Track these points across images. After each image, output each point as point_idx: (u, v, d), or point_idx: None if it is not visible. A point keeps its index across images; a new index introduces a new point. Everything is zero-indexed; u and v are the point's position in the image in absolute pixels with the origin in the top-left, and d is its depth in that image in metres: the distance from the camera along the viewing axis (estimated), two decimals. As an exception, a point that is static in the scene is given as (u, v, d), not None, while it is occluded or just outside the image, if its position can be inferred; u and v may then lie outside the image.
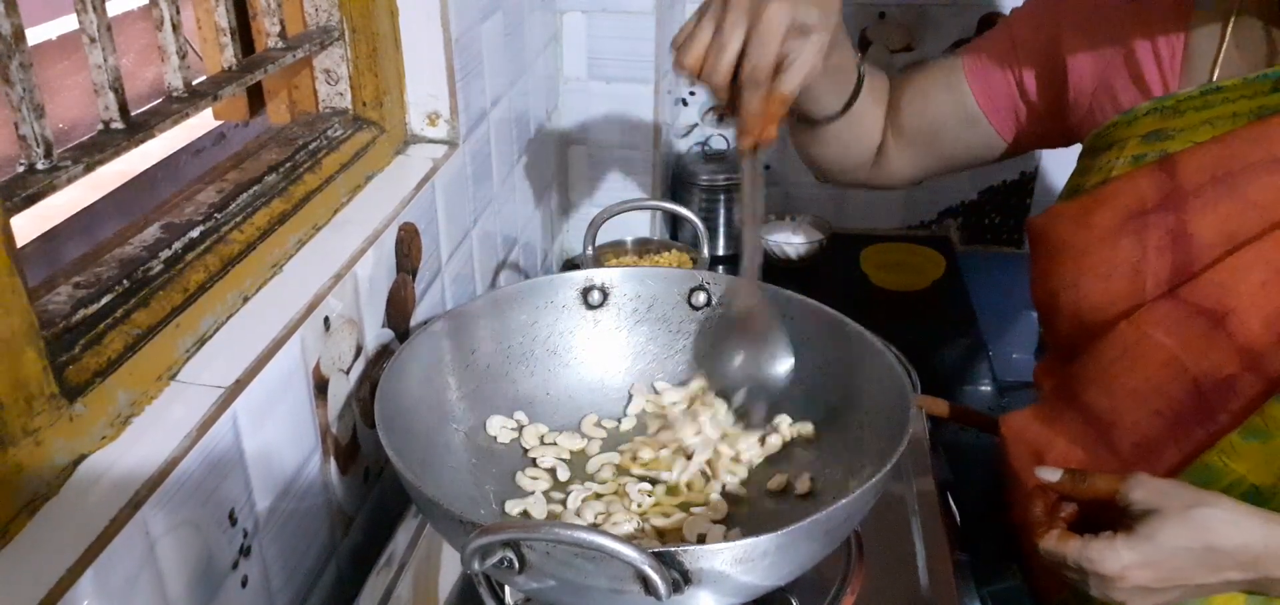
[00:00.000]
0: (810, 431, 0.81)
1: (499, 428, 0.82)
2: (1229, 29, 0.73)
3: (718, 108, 0.71)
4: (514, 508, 0.75)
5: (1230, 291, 0.68)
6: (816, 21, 0.67)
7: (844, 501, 0.60)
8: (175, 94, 0.69)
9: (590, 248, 1.09)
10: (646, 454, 0.80)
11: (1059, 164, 1.55)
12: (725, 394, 0.84)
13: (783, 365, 0.80)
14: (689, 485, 0.78)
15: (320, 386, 0.73)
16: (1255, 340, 0.66)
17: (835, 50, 0.76)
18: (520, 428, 0.83)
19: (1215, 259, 0.69)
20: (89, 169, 0.59)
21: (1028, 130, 0.88)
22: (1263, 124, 0.69)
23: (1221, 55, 0.73)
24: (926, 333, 1.36)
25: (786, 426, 0.82)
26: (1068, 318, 0.77)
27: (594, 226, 1.08)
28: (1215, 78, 0.73)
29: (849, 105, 0.86)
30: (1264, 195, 0.68)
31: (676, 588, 0.55)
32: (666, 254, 1.24)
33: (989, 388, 1.25)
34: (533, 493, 0.77)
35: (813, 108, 0.87)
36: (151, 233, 0.69)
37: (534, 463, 0.80)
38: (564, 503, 0.76)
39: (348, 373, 0.78)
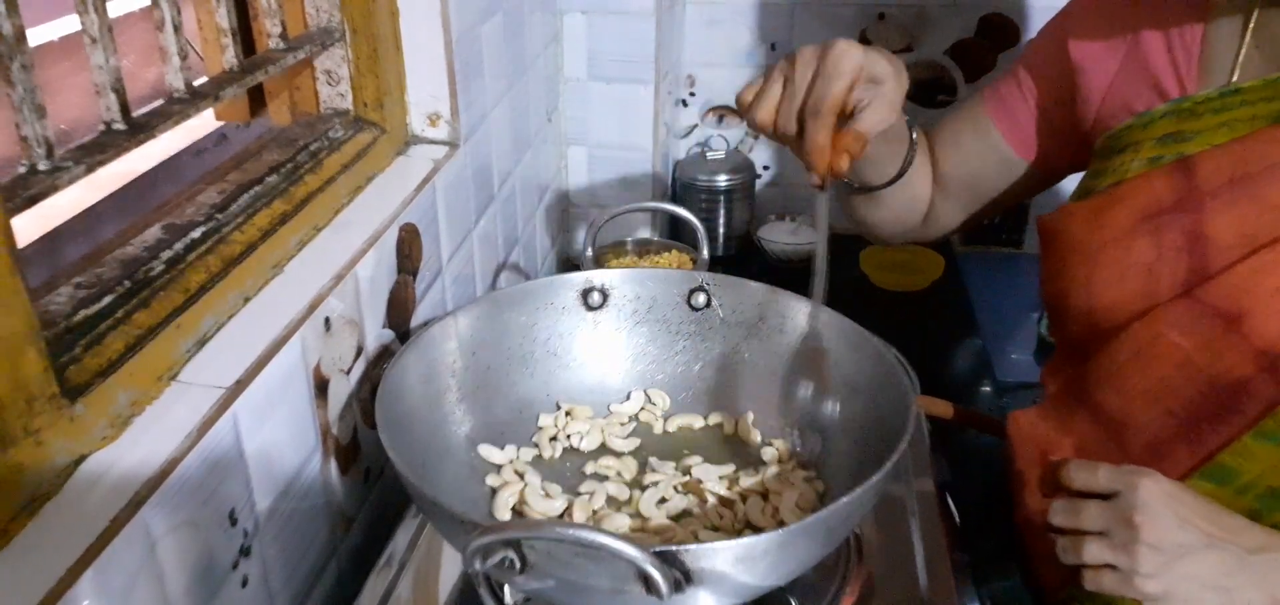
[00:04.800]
0: (806, 465, 0.80)
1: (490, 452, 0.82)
2: (1250, 28, 0.72)
3: (797, 154, 0.72)
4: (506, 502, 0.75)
5: (1247, 293, 0.67)
6: (887, 74, 0.70)
7: (844, 501, 0.60)
8: (176, 95, 0.69)
9: (590, 249, 1.09)
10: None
11: (1059, 164, 1.54)
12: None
13: (835, 403, 0.81)
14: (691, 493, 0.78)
15: (321, 387, 0.73)
16: (1271, 343, 0.66)
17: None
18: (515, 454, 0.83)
19: (1232, 261, 0.68)
20: (90, 170, 0.59)
21: (1059, 156, 0.87)
22: None
23: (1241, 56, 0.72)
24: (926, 333, 1.36)
25: (785, 453, 0.81)
26: (1079, 317, 0.77)
27: (594, 228, 1.08)
28: (1235, 79, 0.72)
29: (903, 170, 0.87)
30: None
31: (678, 587, 0.55)
32: (666, 255, 1.24)
33: (988, 388, 1.25)
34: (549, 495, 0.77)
35: (871, 175, 0.88)
36: (152, 233, 0.69)
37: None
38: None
39: (348, 373, 0.78)
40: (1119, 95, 0.79)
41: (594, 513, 0.75)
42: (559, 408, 0.86)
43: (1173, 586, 0.65)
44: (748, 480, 0.78)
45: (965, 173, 0.92)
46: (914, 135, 0.87)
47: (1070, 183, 0.88)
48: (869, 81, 0.70)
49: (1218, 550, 0.65)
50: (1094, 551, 0.67)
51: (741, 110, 0.73)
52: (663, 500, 0.76)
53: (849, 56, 0.68)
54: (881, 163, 0.87)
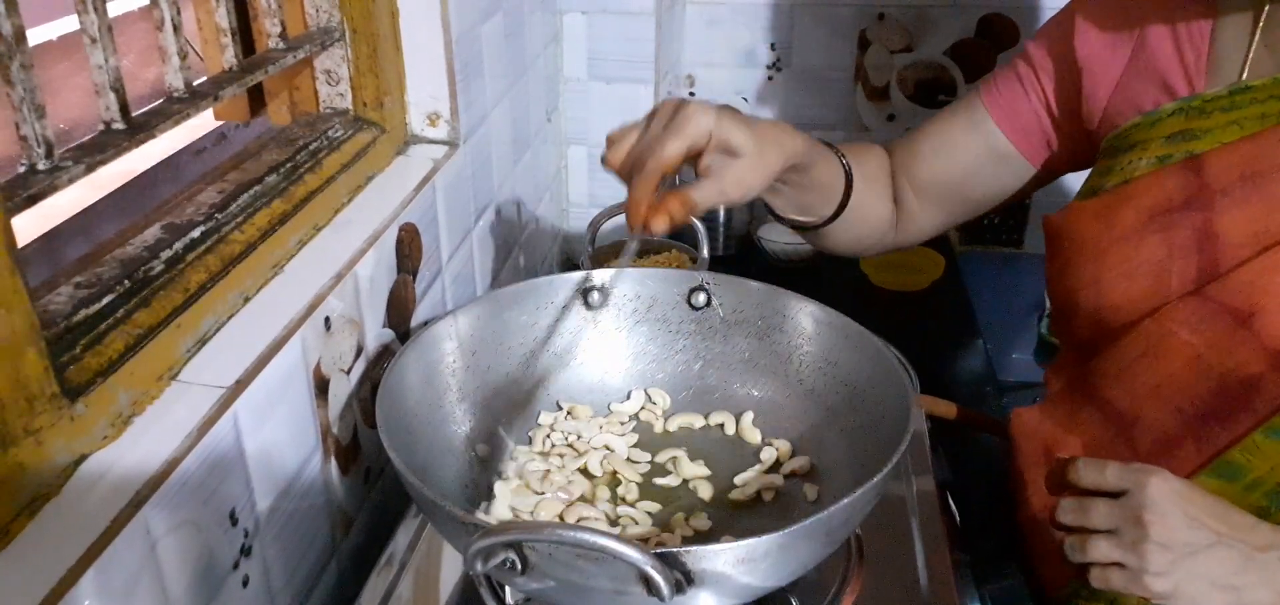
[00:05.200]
0: (807, 465, 0.80)
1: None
2: (1259, 27, 0.72)
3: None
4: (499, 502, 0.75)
5: (1258, 291, 0.67)
6: (747, 150, 0.69)
7: (844, 502, 0.60)
8: (176, 94, 0.69)
9: (590, 248, 1.09)
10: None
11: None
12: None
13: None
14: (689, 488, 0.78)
15: (321, 386, 0.73)
16: None
17: (803, 172, 0.78)
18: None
19: (1243, 259, 0.68)
20: (90, 169, 0.59)
21: (1059, 154, 0.87)
22: None
23: (1251, 54, 0.72)
24: (926, 333, 1.36)
25: (786, 453, 0.81)
26: (1087, 315, 0.77)
27: (594, 226, 1.08)
28: (1244, 77, 0.72)
29: (841, 208, 0.86)
30: None
31: (679, 588, 0.55)
32: (666, 254, 1.24)
33: (989, 388, 1.25)
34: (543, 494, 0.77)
35: (804, 218, 0.87)
36: (152, 233, 0.69)
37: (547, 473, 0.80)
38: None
39: (348, 373, 0.78)
40: (1126, 94, 0.78)
41: (594, 513, 0.75)
42: (560, 408, 0.86)
43: (1181, 585, 0.65)
44: (746, 480, 0.78)
45: (954, 175, 0.90)
46: (849, 172, 0.85)
47: (1073, 182, 0.88)
48: (721, 149, 0.69)
49: (1226, 548, 0.65)
50: (1102, 549, 0.67)
51: (607, 145, 0.73)
52: (663, 500, 0.76)
53: (695, 121, 0.68)
54: (807, 208, 0.86)
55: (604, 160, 0.72)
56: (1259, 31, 0.72)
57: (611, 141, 0.72)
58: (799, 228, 0.89)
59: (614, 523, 0.74)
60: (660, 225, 0.68)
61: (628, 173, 0.70)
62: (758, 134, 0.70)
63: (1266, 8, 0.71)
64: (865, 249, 0.95)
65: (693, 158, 0.70)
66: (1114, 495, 0.68)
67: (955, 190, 0.91)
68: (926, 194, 0.92)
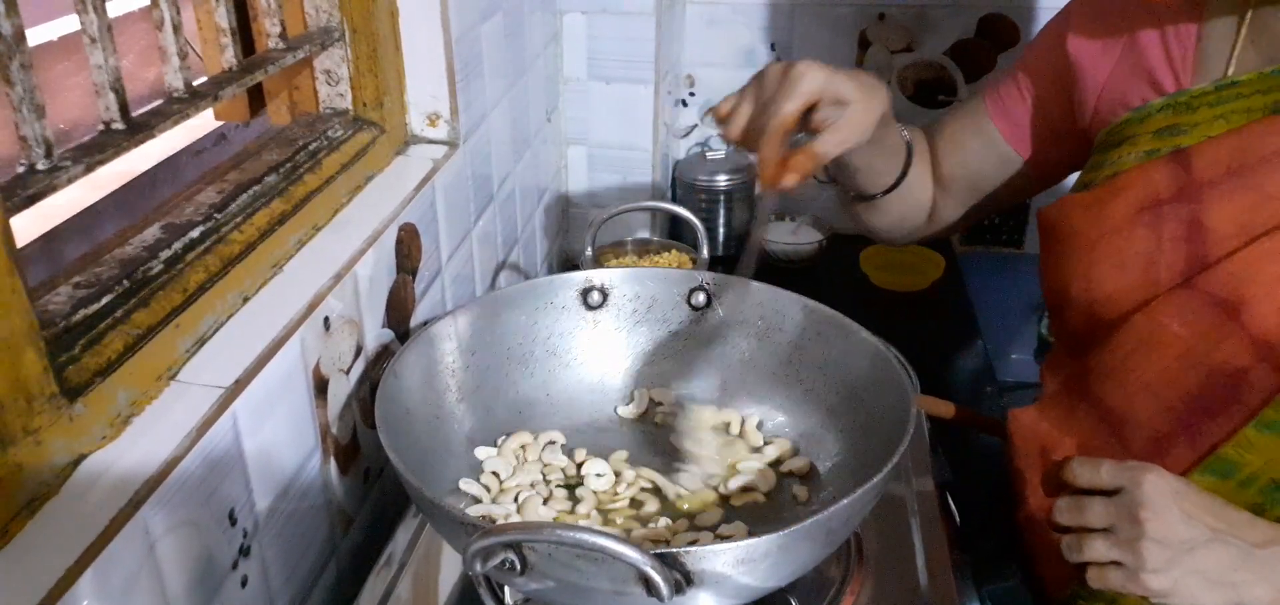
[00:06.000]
0: (805, 466, 0.80)
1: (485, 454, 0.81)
2: (1245, 23, 0.73)
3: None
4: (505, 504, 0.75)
5: (1246, 282, 0.68)
6: (856, 97, 0.72)
7: (844, 502, 0.60)
8: (176, 95, 0.69)
9: (590, 248, 1.09)
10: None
11: (1059, 164, 1.55)
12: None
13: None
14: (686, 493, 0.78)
15: (320, 386, 0.73)
16: (1271, 331, 0.66)
17: (885, 129, 0.80)
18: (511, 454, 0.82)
19: (1231, 250, 0.69)
20: (89, 169, 0.59)
21: (1057, 156, 0.88)
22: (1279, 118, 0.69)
23: (1236, 51, 0.73)
24: (926, 333, 1.36)
25: (786, 453, 0.81)
26: (1079, 309, 0.77)
27: (594, 227, 1.08)
28: (1230, 73, 0.73)
29: (901, 179, 0.89)
30: None
31: (678, 589, 0.55)
32: (666, 255, 1.24)
33: (989, 388, 1.25)
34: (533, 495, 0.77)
35: (868, 185, 0.90)
36: (152, 233, 0.69)
37: (545, 478, 0.80)
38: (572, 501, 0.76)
39: (348, 373, 0.78)
40: (1115, 92, 0.79)
41: (595, 513, 0.75)
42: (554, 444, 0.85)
43: (1179, 582, 0.65)
44: (744, 478, 0.78)
45: (966, 172, 0.92)
46: (910, 145, 0.88)
47: (1072, 179, 0.88)
48: (833, 103, 0.72)
49: (1223, 545, 0.65)
50: (1099, 548, 0.67)
51: (717, 122, 0.75)
52: (664, 500, 0.76)
53: (808, 77, 0.70)
54: (875, 174, 0.88)
55: (723, 135, 0.75)
56: (1244, 29, 0.73)
57: (722, 115, 0.75)
58: (858, 199, 0.92)
59: (614, 523, 0.74)
60: (791, 180, 0.70)
61: (752, 139, 0.72)
62: (860, 82, 0.73)
63: (1251, 10, 0.72)
64: (906, 231, 0.98)
65: (805, 113, 0.72)
66: (1110, 494, 0.68)
67: (969, 186, 0.93)
68: (947, 187, 0.95)
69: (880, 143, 0.82)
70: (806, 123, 0.73)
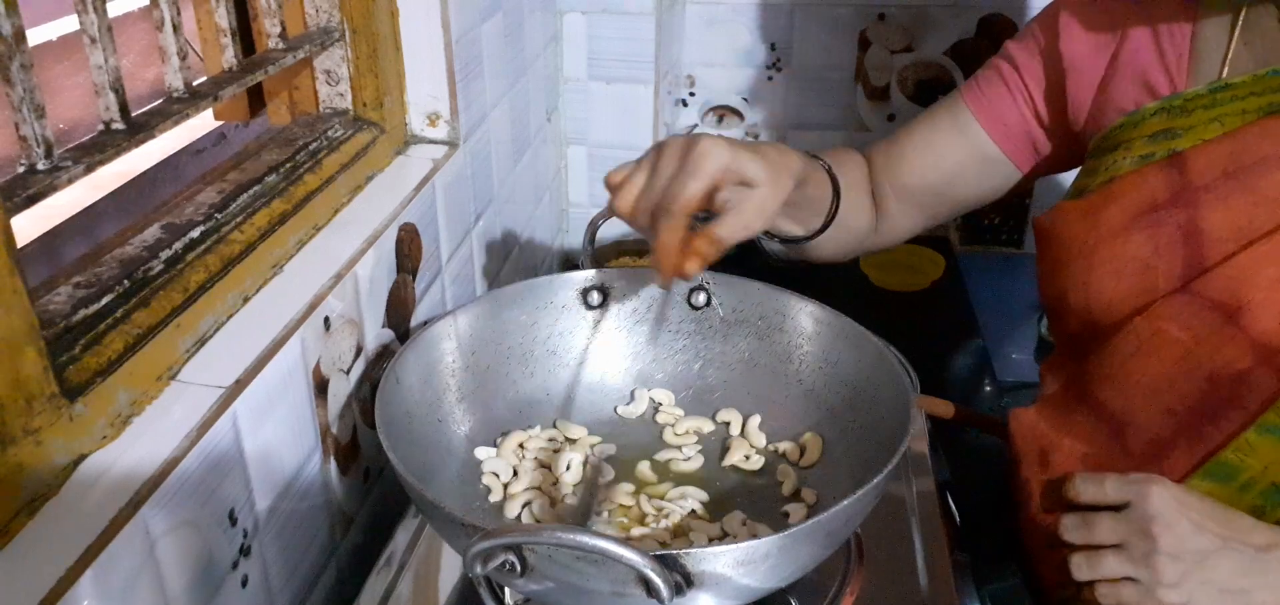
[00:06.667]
0: (815, 456, 0.80)
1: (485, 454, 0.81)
2: (1238, 26, 0.73)
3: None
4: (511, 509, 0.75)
5: (1244, 285, 0.68)
6: (761, 179, 0.67)
7: (844, 503, 0.60)
8: (176, 95, 0.69)
9: (590, 248, 1.09)
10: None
11: (1059, 165, 1.55)
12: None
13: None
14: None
15: (320, 386, 0.73)
16: (1270, 334, 0.66)
17: (802, 189, 0.76)
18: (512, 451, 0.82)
19: (1228, 254, 0.69)
20: (89, 169, 0.59)
21: (1046, 156, 0.87)
22: (1274, 120, 0.69)
23: (1230, 53, 0.73)
24: (926, 333, 1.36)
25: (790, 452, 0.81)
26: (1077, 315, 0.77)
27: (594, 226, 1.08)
28: (1224, 75, 0.73)
29: (828, 224, 0.85)
30: (1277, 190, 0.68)
31: (678, 590, 0.55)
32: (666, 254, 1.24)
33: (989, 388, 1.25)
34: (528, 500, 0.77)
35: (795, 232, 0.86)
36: (152, 233, 0.69)
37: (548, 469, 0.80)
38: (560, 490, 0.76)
39: (348, 373, 0.78)
40: (1109, 94, 0.79)
41: (595, 515, 0.75)
42: (556, 429, 0.85)
43: (1193, 594, 0.65)
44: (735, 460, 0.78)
45: (939, 179, 0.90)
46: (836, 185, 0.85)
47: (1068, 182, 0.88)
48: (738, 183, 0.67)
49: (1231, 552, 0.65)
50: (1111, 565, 0.67)
51: (609, 189, 0.71)
52: (664, 501, 0.76)
53: (712, 156, 0.66)
54: (799, 224, 0.86)
55: (612, 206, 0.70)
56: (1238, 30, 0.72)
57: (614, 186, 0.70)
58: (785, 243, 0.89)
59: (614, 525, 0.74)
60: (694, 268, 0.66)
61: (642, 219, 0.68)
62: (767, 160, 0.69)
63: (1244, 10, 0.72)
64: (845, 255, 0.95)
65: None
66: (1116, 508, 0.68)
67: (940, 193, 0.92)
68: (909, 197, 0.92)
69: (798, 204, 0.80)
70: (708, 202, 0.68)
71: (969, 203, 0.92)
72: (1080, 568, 0.68)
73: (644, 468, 0.80)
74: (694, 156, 0.66)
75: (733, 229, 0.67)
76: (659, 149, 0.68)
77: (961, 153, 0.89)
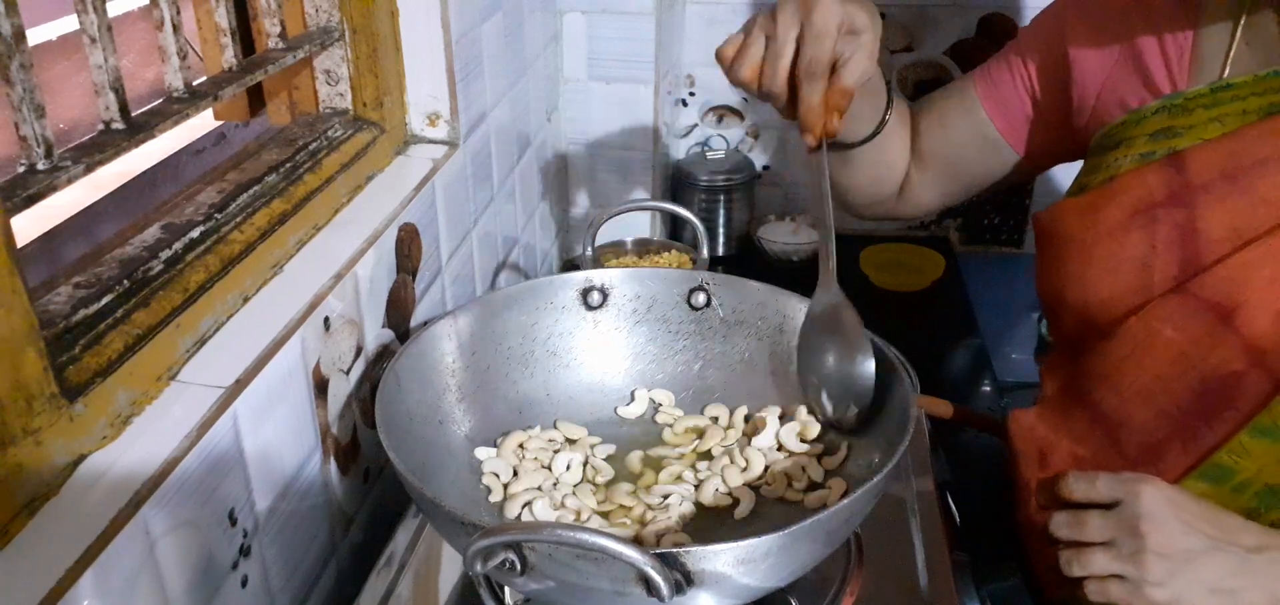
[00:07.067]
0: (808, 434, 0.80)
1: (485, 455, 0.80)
2: (1240, 26, 0.73)
3: (780, 111, 0.72)
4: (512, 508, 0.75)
5: (1239, 286, 0.68)
6: (866, 24, 0.70)
7: (845, 502, 0.60)
8: (176, 94, 0.69)
9: (590, 248, 1.09)
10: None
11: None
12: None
13: (869, 363, 0.75)
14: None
15: (320, 387, 0.73)
16: (1263, 337, 0.66)
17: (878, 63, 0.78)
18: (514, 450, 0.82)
19: (1224, 255, 0.69)
20: (89, 169, 0.59)
21: (1045, 146, 0.88)
22: (1274, 121, 0.69)
23: (1232, 53, 0.73)
24: (926, 333, 1.36)
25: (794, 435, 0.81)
26: (1074, 313, 0.77)
27: (594, 227, 1.08)
28: (1226, 75, 0.73)
29: (880, 127, 0.87)
30: (1275, 192, 0.68)
31: (679, 589, 0.55)
32: (666, 254, 1.24)
33: (988, 388, 1.25)
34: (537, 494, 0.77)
35: (847, 131, 0.87)
36: (152, 233, 0.69)
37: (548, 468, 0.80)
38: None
39: (348, 373, 0.78)
40: (1113, 93, 0.79)
41: (595, 513, 0.75)
42: (556, 429, 0.85)
43: (1181, 593, 0.65)
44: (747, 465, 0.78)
45: (947, 151, 0.92)
46: (891, 88, 0.86)
47: (1060, 180, 0.88)
48: (849, 33, 0.69)
49: (1221, 552, 0.65)
50: (1100, 562, 0.67)
51: (722, 65, 0.72)
52: (664, 500, 0.76)
53: (832, 12, 0.67)
54: (858, 118, 0.86)
55: (732, 79, 0.71)
56: (1240, 32, 0.73)
57: (727, 58, 0.71)
58: (833, 148, 0.88)
59: (614, 524, 0.74)
60: (837, 124, 0.69)
61: (770, 84, 0.70)
62: (865, 7, 0.70)
63: (1245, 14, 0.72)
64: (878, 198, 0.96)
65: None
66: (1108, 507, 0.68)
67: (949, 167, 0.93)
68: (925, 164, 0.94)
69: (867, 88, 0.81)
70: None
71: (976, 183, 0.93)
72: (1070, 564, 0.69)
73: (635, 458, 0.80)
74: (817, 16, 0.67)
75: (857, 76, 0.69)
76: (772, 15, 0.70)
77: (967, 131, 0.91)
